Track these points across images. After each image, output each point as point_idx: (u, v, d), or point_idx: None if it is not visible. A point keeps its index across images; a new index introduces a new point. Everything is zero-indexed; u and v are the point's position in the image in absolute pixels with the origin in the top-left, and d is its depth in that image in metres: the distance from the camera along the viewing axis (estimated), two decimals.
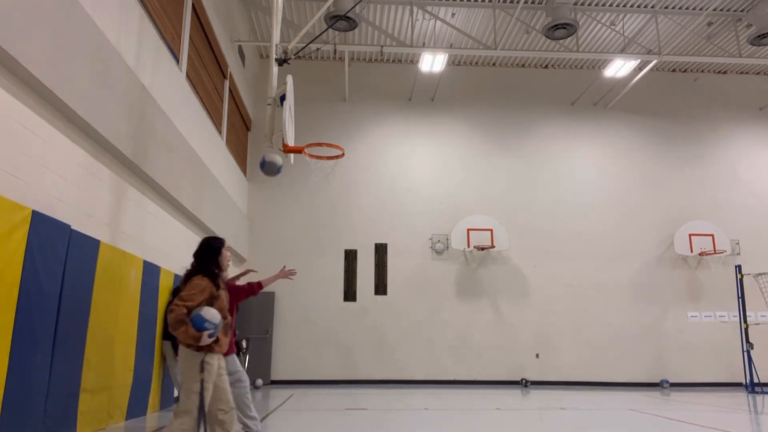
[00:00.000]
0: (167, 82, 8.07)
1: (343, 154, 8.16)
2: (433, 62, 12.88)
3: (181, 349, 3.98)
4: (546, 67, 15.58)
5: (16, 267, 4.46)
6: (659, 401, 10.23)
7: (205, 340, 3.86)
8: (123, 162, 6.57)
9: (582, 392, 11.95)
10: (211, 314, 3.91)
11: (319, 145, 8.44)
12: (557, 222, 14.40)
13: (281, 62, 8.31)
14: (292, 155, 8.10)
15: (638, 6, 12.95)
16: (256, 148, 14.24)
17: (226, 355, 4.89)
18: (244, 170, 13.82)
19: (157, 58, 7.66)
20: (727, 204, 14.79)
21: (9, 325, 4.37)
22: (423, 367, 13.37)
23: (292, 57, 8.52)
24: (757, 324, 13.25)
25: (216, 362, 3.99)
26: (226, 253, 4.34)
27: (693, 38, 13.95)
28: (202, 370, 3.88)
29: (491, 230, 13.65)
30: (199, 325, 3.85)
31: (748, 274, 12.85)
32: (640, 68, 13.74)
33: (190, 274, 4.14)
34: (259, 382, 12.39)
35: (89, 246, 5.70)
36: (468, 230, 13.65)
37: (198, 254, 4.23)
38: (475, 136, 14.91)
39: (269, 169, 7.60)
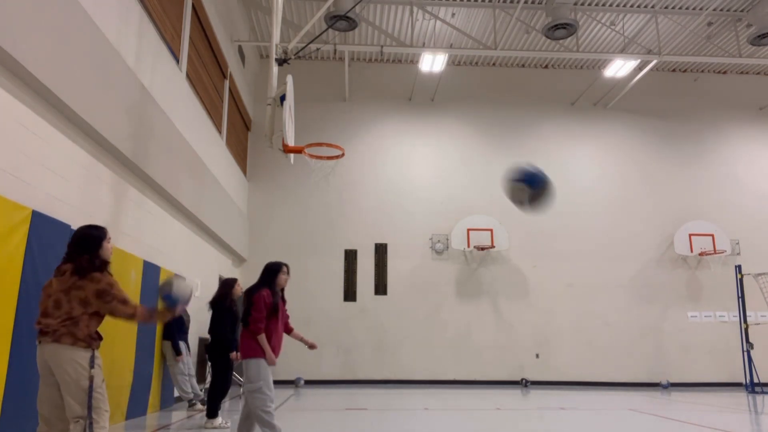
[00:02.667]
0: (167, 82, 8.07)
1: (343, 154, 8.16)
2: (433, 62, 12.88)
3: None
4: (546, 67, 15.58)
5: (16, 267, 4.46)
6: (659, 401, 10.23)
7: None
8: (123, 162, 6.56)
9: (582, 392, 11.95)
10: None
11: (319, 145, 8.45)
12: (557, 222, 14.38)
13: (281, 62, 8.32)
14: (292, 155, 8.10)
15: (638, 6, 12.95)
16: (256, 148, 14.24)
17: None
18: (244, 170, 13.82)
19: (157, 58, 7.66)
20: (727, 204, 14.79)
21: (9, 325, 4.38)
22: (423, 367, 13.37)
23: (292, 57, 8.53)
24: (757, 324, 13.23)
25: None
26: (282, 276, 5.13)
27: (693, 38, 13.95)
28: None
29: (491, 230, 13.65)
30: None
31: (748, 274, 12.84)
32: (640, 68, 13.73)
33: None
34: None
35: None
36: (468, 230, 13.65)
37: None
38: (475, 136, 14.91)
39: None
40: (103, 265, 3.54)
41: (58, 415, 3.35)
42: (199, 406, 8.08)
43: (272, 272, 5.06)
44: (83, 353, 3.37)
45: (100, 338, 3.52)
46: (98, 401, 3.36)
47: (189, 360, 8.35)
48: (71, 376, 3.31)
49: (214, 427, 6.48)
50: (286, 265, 5.18)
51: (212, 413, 6.53)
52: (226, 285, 6.90)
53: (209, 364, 10.67)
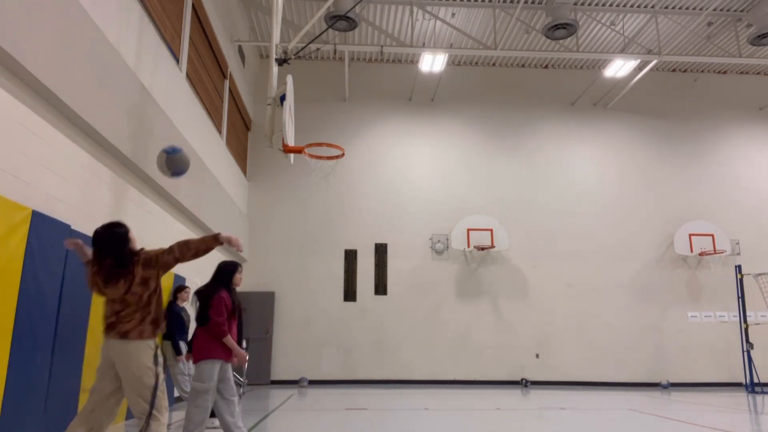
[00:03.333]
0: (167, 82, 8.07)
1: (343, 154, 8.17)
2: (433, 62, 12.88)
3: None
4: (546, 67, 15.58)
5: (16, 267, 4.46)
6: (659, 401, 10.23)
7: None
8: (123, 162, 6.56)
9: (582, 392, 11.95)
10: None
11: (319, 145, 8.45)
12: (557, 222, 14.40)
13: (281, 62, 8.32)
14: (292, 155, 8.11)
15: (638, 6, 12.95)
16: (256, 148, 14.25)
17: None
18: (244, 170, 13.82)
19: (157, 58, 7.66)
20: (727, 204, 14.79)
21: (9, 325, 4.37)
22: (423, 367, 13.37)
23: (292, 57, 8.53)
24: (757, 324, 13.24)
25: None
26: (238, 276, 5.14)
27: (693, 38, 13.95)
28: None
29: (491, 230, 13.65)
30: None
31: (748, 274, 12.84)
32: (640, 68, 13.74)
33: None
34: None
35: (89, 246, 5.69)
36: (468, 230, 13.65)
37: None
38: (475, 136, 14.92)
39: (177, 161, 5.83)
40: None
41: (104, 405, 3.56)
42: None
43: (228, 272, 5.14)
44: (148, 351, 3.55)
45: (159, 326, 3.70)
46: (160, 399, 3.55)
47: (189, 360, 8.34)
48: (135, 374, 3.49)
49: (214, 427, 6.46)
50: (240, 265, 5.30)
51: (213, 413, 6.51)
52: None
53: None
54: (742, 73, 15.83)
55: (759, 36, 12.44)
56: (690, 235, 14.06)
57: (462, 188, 14.45)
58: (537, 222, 14.37)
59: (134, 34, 6.90)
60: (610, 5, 12.96)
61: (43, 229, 4.82)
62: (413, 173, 14.52)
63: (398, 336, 13.51)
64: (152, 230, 7.77)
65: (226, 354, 4.85)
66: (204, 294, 4.99)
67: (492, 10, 12.85)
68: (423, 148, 14.71)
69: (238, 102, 12.95)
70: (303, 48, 9.38)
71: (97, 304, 5.87)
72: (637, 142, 15.21)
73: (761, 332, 13.26)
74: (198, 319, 4.95)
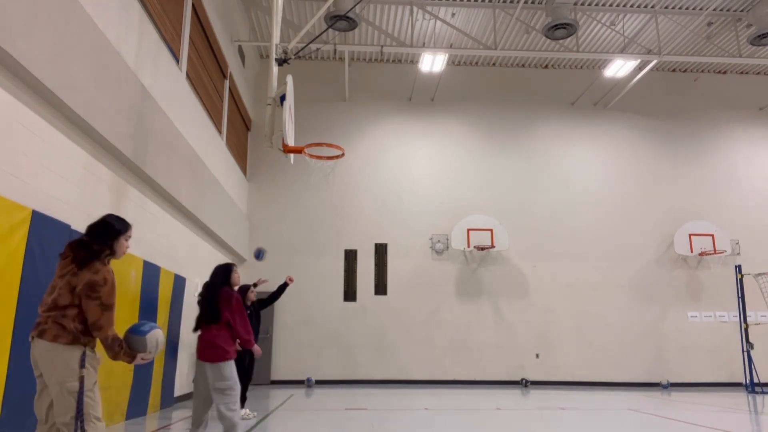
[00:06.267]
0: (167, 82, 8.07)
1: (343, 154, 8.16)
2: (433, 62, 12.88)
3: None
4: (546, 67, 15.58)
5: (16, 267, 4.46)
6: (659, 401, 10.23)
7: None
8: (123, 162, 6.56)
9: (582, 392, 11.95)
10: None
11: (319, 145, 8.44)
12: (557, 222, 14.40)
13: (281, 62, 8.31)
14: (292, 155, 8.10)
15: (638, 6, 12.95)
16: (256, 148, 14.25)
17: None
18: (244, 170, 13.82)
19: (157, 58, 7.66)
20: (727, 204, 14.79)
21: (9, 325, 4.38)
22: (423, 367, 13.37)
23: (292, 57, 8.52)
24: (757, 324, 13.24)
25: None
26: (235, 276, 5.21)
27: (693, 38, 13.95)
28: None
29: (491, 230, 13.65)
30: None
31: (748, 274, 12.84)
32: (640, 68, 13.74)
33: None
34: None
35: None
36: (468, 230, 13.65)
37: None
38: (475, 136, 14.91)
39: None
40: (107, 259, 3.28)
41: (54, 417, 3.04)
42: None
43: (225, 272, 5.25)
44: (73, 351, 3.00)
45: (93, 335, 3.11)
46: (88, 407, 2.99)
47: None
48: (57, 377, 2.96)
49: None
50: (234, 265, 5.41)
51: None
52: (241, 289, 7.38)
53: None
54: (742, 73, 15.83)
55: (759, 36, 12.43)
56: (690, 235, 14.06)
57: (462, 188, 14.45)
58: (537, 222, 14.37)
59: (134, 34, 6.90)
60: (610, 5, 12.96)
61: (43, 229, 4.82)
62: (413, 173, 14.52)
63: (398, 336, 13.50)
64: (152, 230, 7.77)
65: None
66: (207, 295, 5.05)
67: (492, 10, 12.85)
68: (423, 148, 14.71)
69: (238, 102, 12.95)
70: (303, 48, 9.38)
71: None
72: (637, 142, 15.20)
73: (761, 332, 13.26)
74: (206, 317, 4.97)
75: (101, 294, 3.07)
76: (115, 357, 3.15)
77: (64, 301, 3.06)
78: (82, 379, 2.98)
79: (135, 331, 3.23)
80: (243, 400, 7.36)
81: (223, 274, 5.20)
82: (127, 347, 3.18)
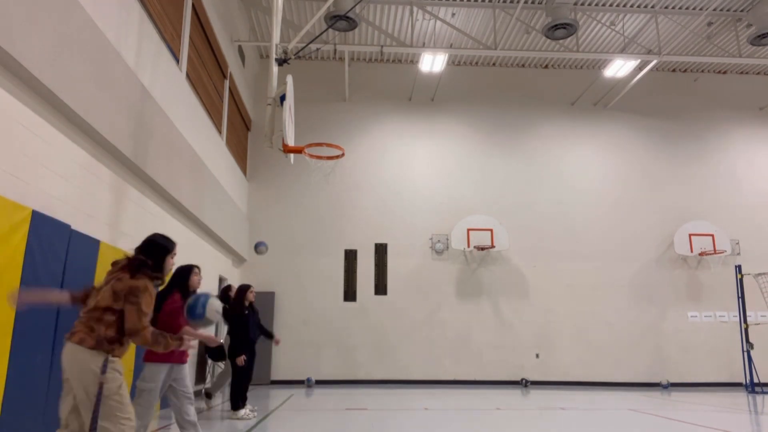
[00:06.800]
0: (167, 82, 8.07)
1: (343, 154, 8.16)
2: (433, 62, 12.88)
3: None
4: (546, 67, 15.58)
5: (16, 267, 4.46)
6: (659, 401, 10.23)
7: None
8: (123, 162, 6.56)
9: (582, 392, 11.95)
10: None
11: (319, 145, 8.43)
12: (557, 222, 14.40)
13: (281, 62, 8.31)
14: (292, 155, 8.10)
15: (638, 6, 12.95)
16: (256, 148, 14.25)
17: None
18: (244, 170, 13.82)
19: (157, 58, 7.66)
20: (727, 204, 14.79)
21: (9, 325, 4.37)
22: (423, 367, 13.37)
23: (292, 57, 8.52)
24: (757, 324, 13.24)
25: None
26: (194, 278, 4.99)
27: (693, 38, 13.95)
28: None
29: (491, 230, 13.65)
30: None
31: (748, 274, 12.84)
32: (640, 68, 13.73)
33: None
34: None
35: (89, 246, 5.69)
36: (468, 230, 13.65)
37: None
38: (475, 136, 14.91)
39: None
40: (155, 276, 3.48)
41: (76, 420, 3.18)
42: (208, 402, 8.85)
43: (183, 275, 5.01)
44: (94, 356, 3.10)
45: (121, 343, 3.24)
46: (115, 409, 3.10)
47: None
48: (80, 380, 3.08)
49: (239, 418, 7.23)
50: (196, 267, 5.15)
51: (236, 406, 7.35)
52: (241, 289, 7.77)
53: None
54: (742, 73, 15.83)
55: (759, 36, 12.44)
56: (690, 235, 14.06)
57: (462, 188, 14.45)
58: (537, 222, 14.37)
59: (134, 34, 6.90)
60: (610, 5, 12.95)
61: (43, 229, 4.81)
62: (413, 173, 14.52)
63: (398, 336, 13.50)
64: (152, 230, 7.74)
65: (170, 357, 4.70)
66: (158, 298, 4.88)
67: (492, 10, 12.85)
68: (423, 148, 14.71)
69: (238, 102, 12.95)
70: (303, 48, 9.38)
71: None
72: (637, 142, 15.20)
73: (761, 332, 13.26)
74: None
75: (141, 300, 3.24)
76: (166, 348, 3.39)
77: (104, 303, 3.23)
78: (101, 385, 3.08)
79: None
80: (243, 400, 7.45)
81: (180, 277, 4.98)
82: (168, 336, 3.38)
